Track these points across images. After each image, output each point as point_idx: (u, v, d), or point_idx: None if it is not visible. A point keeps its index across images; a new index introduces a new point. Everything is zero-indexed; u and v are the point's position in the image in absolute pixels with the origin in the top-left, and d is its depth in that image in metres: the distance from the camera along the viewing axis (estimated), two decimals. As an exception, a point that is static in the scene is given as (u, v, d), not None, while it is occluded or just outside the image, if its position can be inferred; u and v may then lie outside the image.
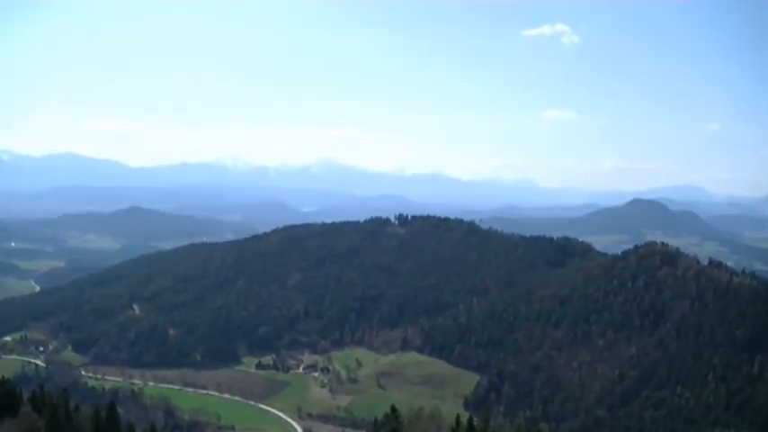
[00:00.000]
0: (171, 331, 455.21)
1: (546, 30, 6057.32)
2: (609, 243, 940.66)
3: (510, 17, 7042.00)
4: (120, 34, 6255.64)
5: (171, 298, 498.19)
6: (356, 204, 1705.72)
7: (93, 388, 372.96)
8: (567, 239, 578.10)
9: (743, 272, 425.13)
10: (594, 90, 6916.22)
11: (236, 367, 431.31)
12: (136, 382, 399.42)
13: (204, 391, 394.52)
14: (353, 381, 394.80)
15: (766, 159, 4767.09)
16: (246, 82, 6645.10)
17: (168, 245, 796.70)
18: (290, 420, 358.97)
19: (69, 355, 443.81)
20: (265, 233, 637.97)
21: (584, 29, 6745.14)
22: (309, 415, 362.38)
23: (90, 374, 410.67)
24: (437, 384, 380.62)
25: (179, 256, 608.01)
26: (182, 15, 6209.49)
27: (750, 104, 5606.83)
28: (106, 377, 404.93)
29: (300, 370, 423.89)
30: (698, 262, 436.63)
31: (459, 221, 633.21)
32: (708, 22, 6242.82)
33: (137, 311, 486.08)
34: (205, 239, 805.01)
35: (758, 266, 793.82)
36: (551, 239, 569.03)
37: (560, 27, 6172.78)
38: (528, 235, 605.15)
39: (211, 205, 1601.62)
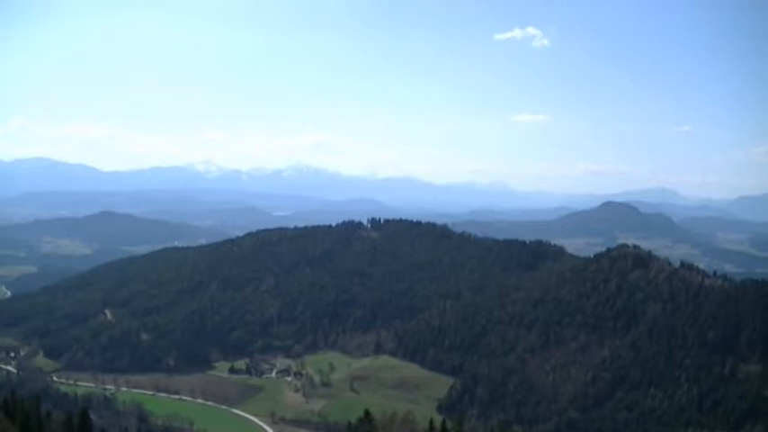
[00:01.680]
0: (144, 336, 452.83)
1: (517, 33, 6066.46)
2: (581, 246, 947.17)
3: (481, 21, 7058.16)
4: (92, 39, 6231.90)
5: (144, 303, 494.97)
6: (329, 209, 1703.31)
7: (65, 394, 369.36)
8: (539, 243, 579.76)
9: (714, 274, 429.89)
10: (566, 93, 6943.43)
11: (210, 372, 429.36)
12: (108, 387, 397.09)
13: (177, 397, 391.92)
14: (327, 385, 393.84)
15: (737, 162, 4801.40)
16: (219, 86, 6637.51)
17: (141, 249, 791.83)
18: (263, 425, 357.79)
19: (41, 360, 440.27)
20: (238, 237, 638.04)
21: (554, 32, 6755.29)
22: (283, 419, 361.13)
23: (62, 380, 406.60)
24: (410, 388, 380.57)
25: (152, 260, 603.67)
26: (154, 20, 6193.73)
27: (722, 107, 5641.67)
28: (79, 383, 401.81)
29: (274, 374, 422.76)
30: (670, 264, 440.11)
31: (433, 225, 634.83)
32: (679, 24, 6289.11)
33: (109, 317, 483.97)
34: (178, 244, 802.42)
35: (730, 269, 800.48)
36: (524, 243, 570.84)
37: (531, 30, 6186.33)
38: (501, 238, 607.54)
39: (184, 210, 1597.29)
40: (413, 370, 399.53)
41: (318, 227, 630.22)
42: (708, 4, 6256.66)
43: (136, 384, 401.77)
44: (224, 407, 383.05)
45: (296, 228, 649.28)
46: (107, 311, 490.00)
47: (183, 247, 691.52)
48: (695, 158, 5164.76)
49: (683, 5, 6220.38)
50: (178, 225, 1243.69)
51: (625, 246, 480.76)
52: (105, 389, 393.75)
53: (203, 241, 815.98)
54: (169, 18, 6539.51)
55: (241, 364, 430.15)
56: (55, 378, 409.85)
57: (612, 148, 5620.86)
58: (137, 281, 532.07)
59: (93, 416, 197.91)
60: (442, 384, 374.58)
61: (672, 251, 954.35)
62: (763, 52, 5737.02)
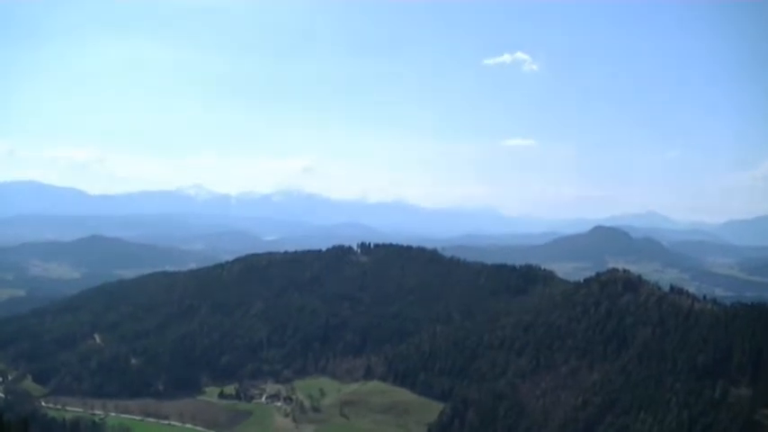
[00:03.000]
0: (133, 360, 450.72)
1: (506, 58, 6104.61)
2: (571, 270, 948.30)
3: (471, 46, 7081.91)
4: (81, 62, 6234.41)
5: (133, 327, 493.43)
6: (319, 233, 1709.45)
7: (53, 419, 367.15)
8: (529, 267, 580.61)
9: (704, 298, 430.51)
10: (555, 118, 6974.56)
11: (199, 397, 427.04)
12: (97, 412, 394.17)
13: (166, 422, 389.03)
14: (317, 410, 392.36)
15: (726, 186, 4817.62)
16: (208, 110, 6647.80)
17: (130, 273, 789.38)
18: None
19: (29, 385, 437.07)
20: (228, 262, 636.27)
21: (543, 57, 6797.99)
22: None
23: (50, 405, 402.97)
24: (400, 413, 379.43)
25: (141, 284, 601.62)
26: (144, 44, 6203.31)
27: (711, 132, 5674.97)
28: (67, 408, 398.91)
29: (263, 399, 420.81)
30: (659, 288, 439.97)
31: (422, 249, 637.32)
32: (667, 51, 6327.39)
33: (98, 341, 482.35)
34: (167, 268, 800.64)
35: (719, 292, 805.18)
36: (514, 267, 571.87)
37: (520, 55, 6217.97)
38: (490, 263, 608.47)
39: (173, 234, 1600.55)
40: (403, 394, 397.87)
41: (308, 251, 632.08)
42: (695, 31, 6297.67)
43: (125, 409, 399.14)
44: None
45: (285, 252, 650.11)
46: (96, 335, 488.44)
47: (172, 272, 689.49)
48: (684, 183, 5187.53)
49: (671, 33, 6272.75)
50: (167, 249, 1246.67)
51: (615, 270, 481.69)
52: (94, 414, 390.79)
53: (193, 265, 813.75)
54: (158, 42, 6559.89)
55: (231, 388, 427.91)
56: (43, 403, 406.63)
57: (602, 172, 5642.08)
58: (126, 305, 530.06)
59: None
60: (432, 409, 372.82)
61: (662, 275, 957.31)
62: (750, 79, 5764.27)
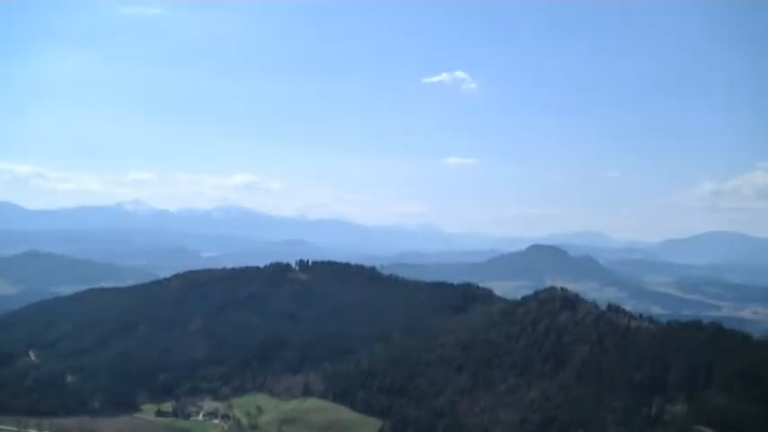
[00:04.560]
0: (69, 378, 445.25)
1: (445, 77, 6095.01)
2: (510, 288, 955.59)
3: (410, 64, 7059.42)
4: (20, 76, 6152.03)
5: (70, 344, 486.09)
6: (258, 249, 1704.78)
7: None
8: (468, 285, 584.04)
9: (641, 316, 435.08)
10: (495, 137, 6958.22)
11: (136, 414, 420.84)
12: (32, 431, 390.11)
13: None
14: (254, 427, 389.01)
15: (664, 206, 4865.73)
16: (149, 125, 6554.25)
17: (68, 290, 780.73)
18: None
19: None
20: (167, 278, 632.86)
21: (482, 76, 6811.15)
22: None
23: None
24: (340, 430, 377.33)
25: (79, 301, 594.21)
26: (83, 58, 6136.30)
27: (649, 153, 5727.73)
28: (1, 426, 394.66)
29: (201, 417, 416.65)
30: (597, 307, 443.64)
31: (362, 267, 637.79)
32: (605, 71, 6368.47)
33: (33, 358, 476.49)
34: (105, 284, 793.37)
35: (656, 310, 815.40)
36: (453, 285, 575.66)
37: (459, 74, 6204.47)
38: (430, 281, 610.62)
39: (112, 250, 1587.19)
40: (342, 412, 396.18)
41: (247, 268, 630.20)
42: (635, 52, 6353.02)
43: (60, 428, 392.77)
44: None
45: (224, 269, 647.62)
46: (31, 353, 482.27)
47: (110, 288, 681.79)
48: (623, 202, 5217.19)
49: (610, 52, 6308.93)
50: (106, 265, 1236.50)
51: (553, 288, 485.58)
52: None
53: (131, 282, 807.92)
54: (99, 57, 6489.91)
55: (168, 406, 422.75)
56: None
57: (542, 191, 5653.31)
58: (63, 322, 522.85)
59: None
60: (371, 427, 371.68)
61: (599, 294, 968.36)
62: (689, 101, 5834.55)
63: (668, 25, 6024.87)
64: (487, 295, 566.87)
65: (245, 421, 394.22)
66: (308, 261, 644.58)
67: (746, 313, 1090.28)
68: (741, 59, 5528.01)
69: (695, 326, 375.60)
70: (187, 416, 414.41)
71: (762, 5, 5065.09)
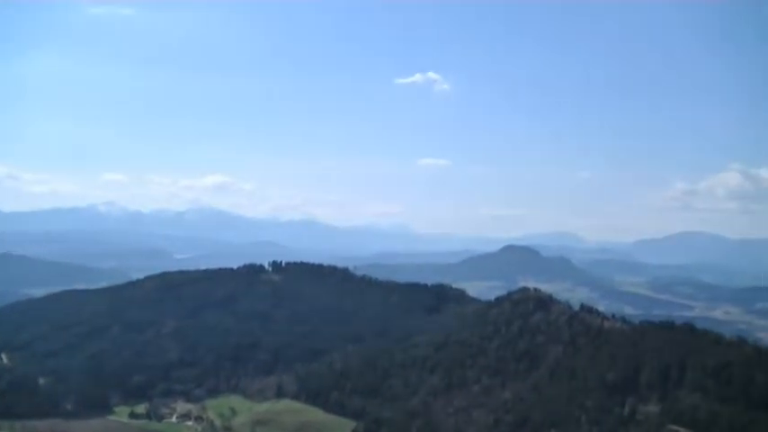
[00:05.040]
0: (42, 380, 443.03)
1: (418, 78, 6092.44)
2: (483, 289, 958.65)
3: (382, 65, 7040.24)
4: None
5: (43, 346, 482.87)
6: (231, 251, 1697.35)
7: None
8: (441, 286, 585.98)
9: (614, 316, 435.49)
10: (468, 138, 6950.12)
11: (109, 417, 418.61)
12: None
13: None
14: (228, 429, 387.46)
15: (636, 206, 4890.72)
16: (121, 126, 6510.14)
17: (40, 291, 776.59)
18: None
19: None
20: (140, 280, 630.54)
21: (454, 77, 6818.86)
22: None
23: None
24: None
25: (52, 303, 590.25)
26: (55, 59, 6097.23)
27: (622, 153, 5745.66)
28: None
29: (174, 419, 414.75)
30: (570, 307, 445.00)
31: (334, 268, 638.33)
32: (576, 73, 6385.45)
33: (5, 360, 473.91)
34: (78, 286, 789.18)
35: (628, 311, 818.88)
36: (426, 286, 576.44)
37: (432, 75, 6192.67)
38: (403, 282, 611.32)
39: (85, 251, 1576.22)
40: (315, 414, 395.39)
41: (220, 269, 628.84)
42: (608, 51, 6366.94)
43: (33, 430, 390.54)
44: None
45: (198, 270, 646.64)
46: (3, 355, 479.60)
47: (83, 290, 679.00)
48: (595, 203, 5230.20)
49: (581, 53, 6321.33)
50: (79, 267, 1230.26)
51: (526, 289, 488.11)
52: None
53: (104, 283, 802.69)
54: (69, 57, 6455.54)
55: (141, 408, 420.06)
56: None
57: (515, 191, 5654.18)
58: (36, 324, 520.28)
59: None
60: (344, 428, 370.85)
61: (572, 294, 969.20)
62: (661, 101, 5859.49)
63: (638, 26, 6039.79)
64: (461, 296, 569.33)
65: (218, 423, 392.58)
66: (281, 262, 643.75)
67: (718, 313, 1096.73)
68: (713, 60, 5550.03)
69: (667, 326, 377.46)
70: (160, 418, 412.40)
71: (733, 4, 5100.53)
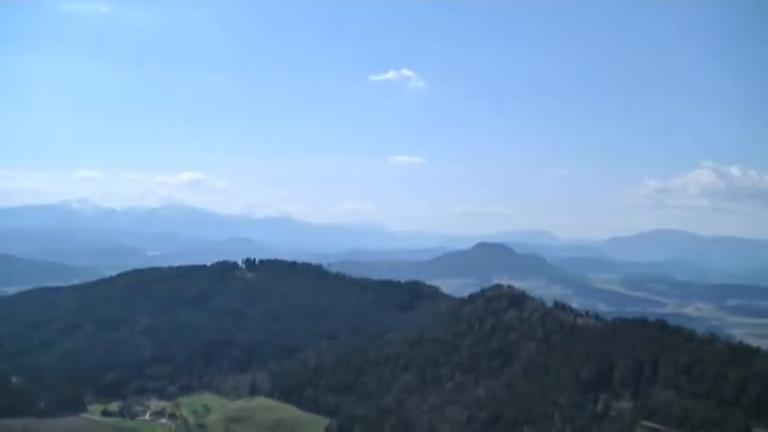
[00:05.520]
0: (14, 379, 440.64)
1: (392, 75, 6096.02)
2: (457, 286, 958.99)
3: (357, 62, 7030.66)
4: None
5: (15, 344, 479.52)
6: (205, 248, 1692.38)
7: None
8: (415, 283, 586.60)
9: (587, 313, 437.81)
10: (442, 136, 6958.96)
11: (82, 415, 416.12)
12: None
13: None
14: (202, 426, 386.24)
15: (610, 204, 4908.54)
16: (93, 123, 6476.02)
17: (12, 289, 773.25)
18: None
19: None
20: (113, 277, 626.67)
21: (429, 75, 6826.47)
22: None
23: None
24: (287, 429, 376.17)
25: (24, 300, 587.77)
26: (25, 54, 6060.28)
27: (595, 150, 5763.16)
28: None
29: (147, 416, 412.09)
30: (544, 304, 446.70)
31: (308, 265, 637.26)
32: (550, 70, 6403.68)
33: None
34: (51, 284, 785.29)
35: (602, 308, 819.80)
36: (400, 283, 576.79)
37: (406, 72, 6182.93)
38: (377, 279, 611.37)
39: (58, 249, 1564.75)
40: (289, 411, 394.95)
41: (194, 267, 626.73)
42: (582, 49, 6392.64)
43: (6, 429, 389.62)
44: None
45: (171, 267, 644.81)
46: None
47: (56, 287, 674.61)
48: (569, 200, 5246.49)
49: (556, 50, 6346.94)
50: (51, 264, 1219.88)
51: (500, 286, 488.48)
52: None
53: (77, 281, 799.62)
54: (41, 53, 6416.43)
55: (114, 406, 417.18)
56: None
57: (488, 189, 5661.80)
58: (8, 322, 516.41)
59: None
60: (318, 425, 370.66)
61: (546, 291, 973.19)
62: (634, 98, 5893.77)
63: (611, 24, 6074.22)
64: (434, 293, 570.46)
65: (192, 420, 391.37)
66: (254, 259, 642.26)
67: (691, 310, 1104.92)
68: (686, 59, 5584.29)
69: (640, 323, 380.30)
70: (134, 415, 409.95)
71: (704, 4, 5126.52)
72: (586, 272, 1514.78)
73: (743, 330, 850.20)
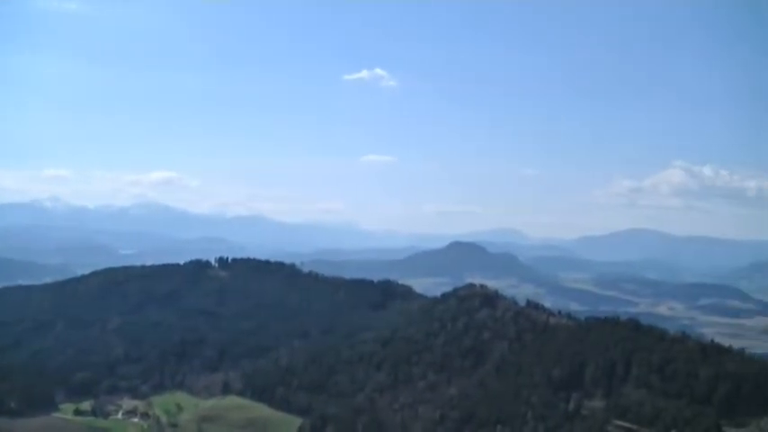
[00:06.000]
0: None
1: (365, 74, 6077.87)
2: (429, 285, 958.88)
3: (330, 61, 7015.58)
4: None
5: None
6: (177, 246, 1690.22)
7: None
8: (388, 282, 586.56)
9: (559, 312, 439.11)
10: (414, 135, 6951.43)
11: (54, 414, 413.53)
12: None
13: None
14: (174, 425, 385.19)
15: (581, 203, 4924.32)
16: (64, 120, 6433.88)
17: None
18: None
19: None
20: (84, 276, 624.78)
21: (401, 74, 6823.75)
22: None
23: None
24: (259, 428, 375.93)
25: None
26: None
27: (566, 150, 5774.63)
28: None
29: (120, 416, 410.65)
30: (516, 303, 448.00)
31: (281, 264, 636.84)
32: (522, 70, 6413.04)
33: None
34: (22, 282, 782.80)
35: (574, 307, 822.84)
36: (372, 282, 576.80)
37: (378, 72, 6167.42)
38: (349, 278, 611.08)
39: (28, 247, 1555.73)
40: (261, 410, 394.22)
41: (166, 265, 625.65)
42: (554, 48, 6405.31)
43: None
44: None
45: (143, 266, 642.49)
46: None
47: (27, 286, 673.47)
48: (540, 200, 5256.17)
49: (528, 50, 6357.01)
50: (22, 263, 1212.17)
51: (472, 285, 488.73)
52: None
53: (48, 279, 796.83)
54: (12, 50, 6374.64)
55: (86, 405, 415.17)
56: None
57: (460, 188, 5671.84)
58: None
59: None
60: (290, 424, 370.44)
61: (518, 290, 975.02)
62: (603, 99, 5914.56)
63: (586, 22, 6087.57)
64: (407, 292, 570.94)
65: (164, 419, 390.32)
66: (227, 258, 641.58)
67: (663, 309, 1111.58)
68: (658, 58, 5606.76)
69: (612, 322, 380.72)
70: (106, 415, 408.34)
71: (674, 4, 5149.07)
72: (558, 271, 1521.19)
73: (714, 330, 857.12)
